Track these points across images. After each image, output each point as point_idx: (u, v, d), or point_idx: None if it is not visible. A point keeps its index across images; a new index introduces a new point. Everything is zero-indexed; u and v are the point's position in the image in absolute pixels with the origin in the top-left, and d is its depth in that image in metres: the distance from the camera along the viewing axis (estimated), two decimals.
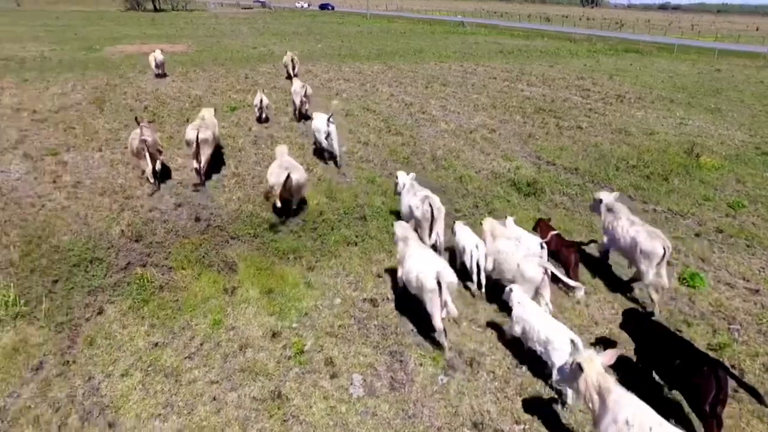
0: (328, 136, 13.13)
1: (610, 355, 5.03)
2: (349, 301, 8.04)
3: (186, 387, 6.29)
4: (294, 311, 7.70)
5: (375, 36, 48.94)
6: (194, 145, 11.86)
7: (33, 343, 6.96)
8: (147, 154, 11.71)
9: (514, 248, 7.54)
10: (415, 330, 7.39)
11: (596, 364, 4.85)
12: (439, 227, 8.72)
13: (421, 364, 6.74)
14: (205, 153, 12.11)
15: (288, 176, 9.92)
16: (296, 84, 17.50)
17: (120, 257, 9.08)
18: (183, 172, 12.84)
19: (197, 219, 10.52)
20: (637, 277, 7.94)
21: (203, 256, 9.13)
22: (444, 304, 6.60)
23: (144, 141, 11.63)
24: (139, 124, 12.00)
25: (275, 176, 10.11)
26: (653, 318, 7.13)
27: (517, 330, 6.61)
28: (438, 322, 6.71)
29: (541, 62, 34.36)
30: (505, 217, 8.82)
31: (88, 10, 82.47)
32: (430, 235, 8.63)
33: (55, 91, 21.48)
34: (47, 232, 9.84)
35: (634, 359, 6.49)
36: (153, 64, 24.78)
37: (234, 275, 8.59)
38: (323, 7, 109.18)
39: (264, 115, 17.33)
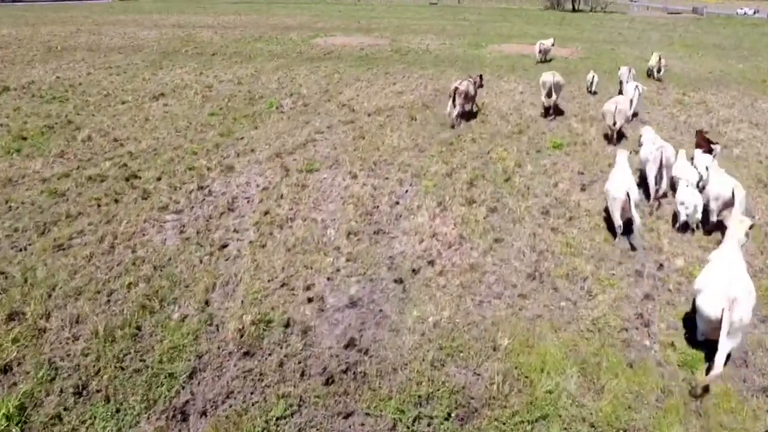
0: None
1: None
2: None
3: None
4: None
5: None
6: (548, 87, 15.51)
7: None
8: (456, 101, 14.64)
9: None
10: None
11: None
12: (667, 175, 9.75)
13: None
14: (557, 94, 15.67)
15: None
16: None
17: (187, 388, 5.77)
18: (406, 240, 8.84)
19: (350, 344, 6.42)
20: None
21: None
22: (628, 212, 8.25)
23: (456, 89, 14.66)
24: (470, 77, 15.94)
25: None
26: None
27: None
28: (616, 221, 8.49)
29: None
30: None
31: (512, 7, 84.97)
32: (656, 179, 9.72)
33: (395, 89, 20.14)
34: (177, 293, 7.32)
35: None
36: (537, 50, 27.14)
37: None
38: None
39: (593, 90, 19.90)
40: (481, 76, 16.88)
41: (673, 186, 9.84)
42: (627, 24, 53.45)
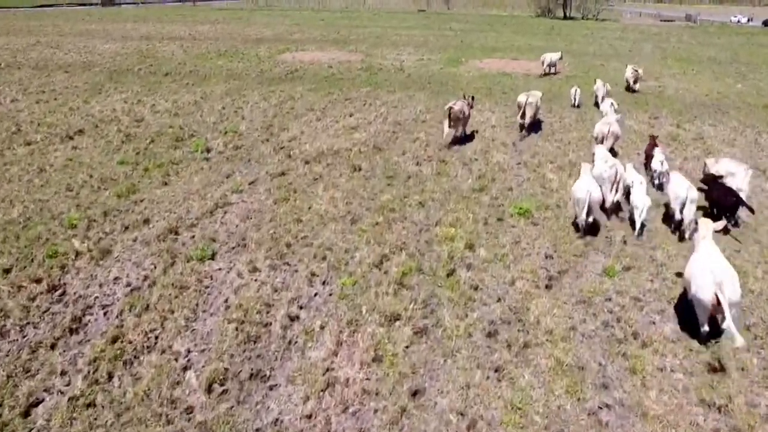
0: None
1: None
2: None
3: None
4: None
5: None
6: (523, 108, 15.88)
7: None
8: (450, 120, 14.45)
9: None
10: None
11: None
12: (621, 189, 10.63)
13: None
14: (529, 113, 15.97)
15: None
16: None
17: None
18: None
19: None
20: None
21: None
22: (590, 211, 9.39)
23: (450, 108, 14.53)
24: (464, 97, 15.97)
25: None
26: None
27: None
28: (581, 220, 9.58)
29: None
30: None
31: (501, 14, 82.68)
32: (612, 191, 10.49)
33: (349, 123, 17.69)
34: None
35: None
36: (542, 63, 27.10)
37: None
38: None
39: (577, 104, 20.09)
40: (473, 97, 16.65)
41: (627, 194, 10.78)
42: (619, 33, 51.13)
